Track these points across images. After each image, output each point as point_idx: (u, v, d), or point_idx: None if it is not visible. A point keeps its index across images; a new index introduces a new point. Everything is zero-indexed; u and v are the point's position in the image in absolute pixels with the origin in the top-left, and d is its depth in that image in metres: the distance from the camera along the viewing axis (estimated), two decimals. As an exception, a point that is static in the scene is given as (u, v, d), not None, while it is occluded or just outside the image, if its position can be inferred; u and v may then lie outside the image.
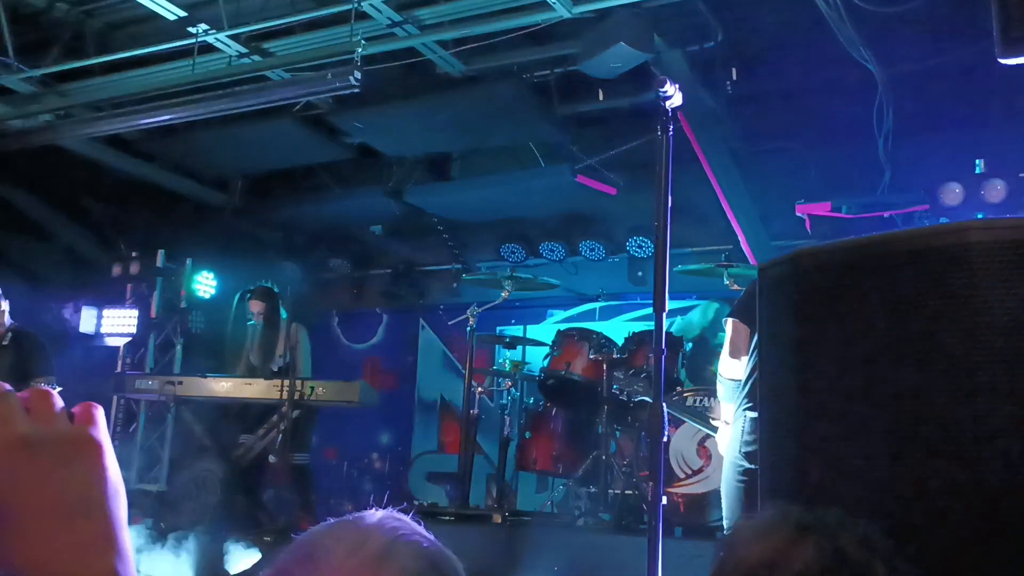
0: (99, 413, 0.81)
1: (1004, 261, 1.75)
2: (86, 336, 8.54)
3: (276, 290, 7.25)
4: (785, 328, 2.20)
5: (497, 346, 8.18)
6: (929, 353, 1.82)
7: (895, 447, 1.85)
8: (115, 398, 8.37)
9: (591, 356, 6.31)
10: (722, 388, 3.99)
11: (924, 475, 1.78)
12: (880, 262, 1.95)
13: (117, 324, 8.62)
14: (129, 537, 0.78)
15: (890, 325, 1.88)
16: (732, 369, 3.87)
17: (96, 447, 0.78)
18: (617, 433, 6.32)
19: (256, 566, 5.66)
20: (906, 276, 1.88)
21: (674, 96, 2.83)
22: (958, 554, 1.72)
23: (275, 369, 6.90)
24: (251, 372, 7.01)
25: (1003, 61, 2.93)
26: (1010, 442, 1.69)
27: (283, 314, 7.12)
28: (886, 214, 6.37)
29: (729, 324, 3.93)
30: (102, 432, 0.79)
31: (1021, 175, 5.85)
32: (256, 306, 6.91)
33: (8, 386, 0.77)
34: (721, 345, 4.11)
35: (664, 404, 2.59)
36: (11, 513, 0.72)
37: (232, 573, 5.63)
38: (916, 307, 1.84)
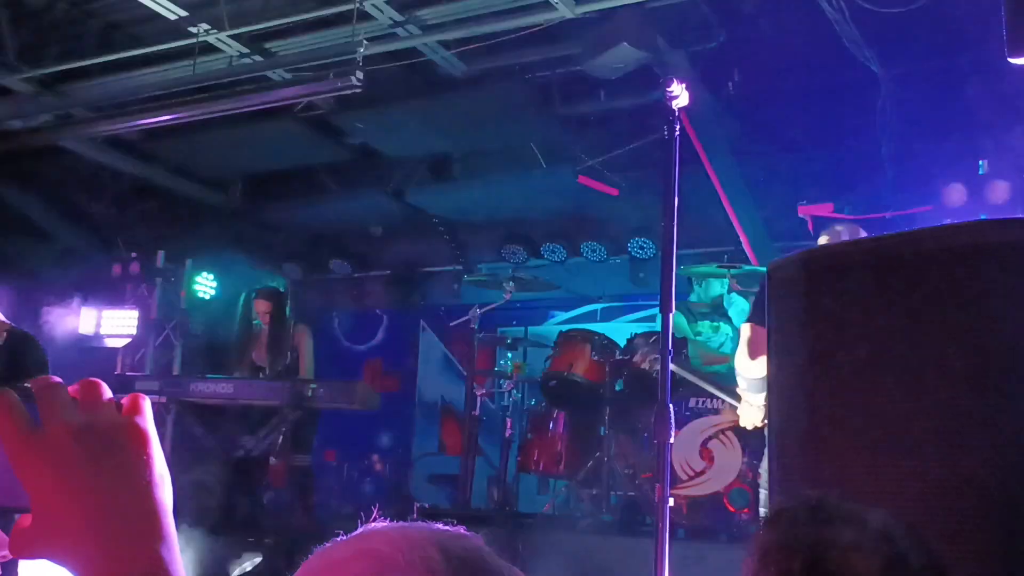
0: (146, 403, 0.83)
1: (1021, 261, 1.73)
2: (85, 337, 8.51)
3: (283, 290, 7.22)
4: (794, 329, 2.17)
5: (498, 347, 8.15)
6: (943, 356, 1.80)
7: (907, 454, 1.83)
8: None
9: (593, 357, 6.29)
10: (744, 383, 4.01)
11: (939, 482, 1.76)
12: (893, 263, 1.92)
13: (117, 325, 8.59)
14: (173, 524, 0.80)
15: (902, 327, 1.86)
16: (752, 369, 3.89)
17: (142, 436, 0.80)
18: (619, 435, 6.29)
19: (256, 568, 5.63)
20: (919, 277, 1.86)
21: (680, 96, 2.82)
22: (974, 563, 1.69)
23: (279, 369, 6.88)
24: (255, 372, 6.98)
25: (1012, 60, 2.91)
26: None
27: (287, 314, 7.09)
28: (888, 215, 6.36)
29: (746, 328, 3.97)
30: (148, 422, 0.82)
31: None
32: (263, 306, 6.87)
33: (58, 379, 0.79)
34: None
35: (671, 406, 2.57)
36: (59, 503, 0.74)
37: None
38: (929, 309, 1.82)
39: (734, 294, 6.49)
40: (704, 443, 5.52)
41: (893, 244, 2.02)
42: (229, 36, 6.34)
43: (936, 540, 1.71)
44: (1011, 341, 1.75)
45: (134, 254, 8.78)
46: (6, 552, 0.78)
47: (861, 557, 1.27)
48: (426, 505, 7.22)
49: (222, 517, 6.29)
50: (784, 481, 2.11)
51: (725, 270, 6.20)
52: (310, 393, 6.40)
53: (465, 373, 6.73)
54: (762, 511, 3.99)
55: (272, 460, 6.58)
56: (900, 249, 1.98)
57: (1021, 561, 1.66)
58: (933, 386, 1.83)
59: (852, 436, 1.97)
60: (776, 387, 2.21)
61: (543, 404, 6.82)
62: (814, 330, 2.09)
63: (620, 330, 8.11)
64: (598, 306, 9.44)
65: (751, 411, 4.00)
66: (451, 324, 8.24)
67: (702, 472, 5.52)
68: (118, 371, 8.38)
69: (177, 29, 6.40)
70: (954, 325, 1.81)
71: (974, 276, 1.80)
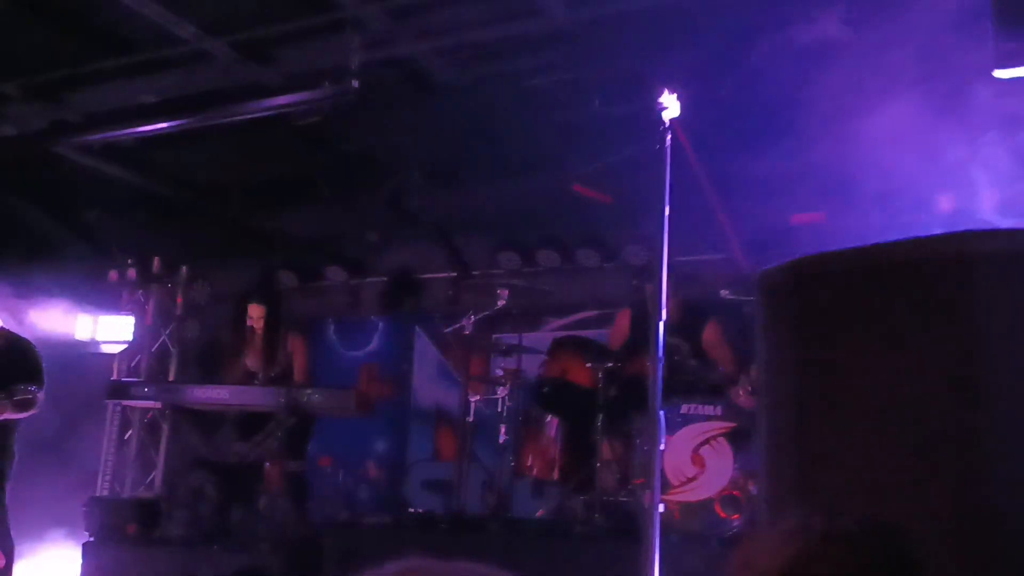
0: None
1: (1003, 271, 1.76)
2: (82, 343, 8.52)
3: (275, 295, 7.23)
4: (782, 336, 2.20)
5: (493, 354, 8.17)
6: (929, 365, 1.83)
7: (895, 461, 1.86)
8: (110, 406, 8.35)
9: (587, 364, 6.31)
10: None
11: (924, 489, 1.79)
12: (880, 272, 1.95)
13: (113, 331, 8.60)
14: None
15: (889, 335, 1.89)
16: None
17: None
18: (612, 441, 6.31)
19: (249, 575, 5.64)
20: (906, 285, 1.88)
21: (671, 107, 2.85)
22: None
23: (272, 375, 6.88)
24: (248, 378, 6.98)
25: (997, 74, 2.95)
26: (1012, 456, 1.70)
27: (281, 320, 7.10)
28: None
29: None
30: None
31: (1015, 185, 5.86)
32: (256, 311, 6.87)
33: None
34: None
35: (662, 412, 2.59)
36: None
37: (227, 581, 5.61)
38: (916, 317, 1.85)
39: None
40: (696, 449, 5.55)
41: (882, 253, 2.05)
42: (224, 43, 6.35)
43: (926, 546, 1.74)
44: (995, 349, 1.78)
45: (130, 260, 8.79)
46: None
47: (841, 567, 1.28)
48: (420, 511, 7.24)
49: (217, 523, 6.31)
50: (773, 486, 2.14)
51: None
52: (305, 399, 6.42)
53: (460, 379, 6.75)
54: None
55: (266, 466, 6.59)
56: (888, 258, 2.01)
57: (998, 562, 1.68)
58: (921, 393, 1.86)
59: (842, 443, 1.99)
60: (765, 393, 2.24)
61: (537, 410, 6.84)
62: (803, 337, 2.12)
63: (614, 337, 8.12)
64: (592, 313, 9.44)
65: None
66: (446, 330, 8.26)
67: (694, 478, 5.55)
68: (114, 377, 8.39)
69: (172, 36, 6.41)
70: (940, 333, 1.84)
71: (959, 285, 1.83)
